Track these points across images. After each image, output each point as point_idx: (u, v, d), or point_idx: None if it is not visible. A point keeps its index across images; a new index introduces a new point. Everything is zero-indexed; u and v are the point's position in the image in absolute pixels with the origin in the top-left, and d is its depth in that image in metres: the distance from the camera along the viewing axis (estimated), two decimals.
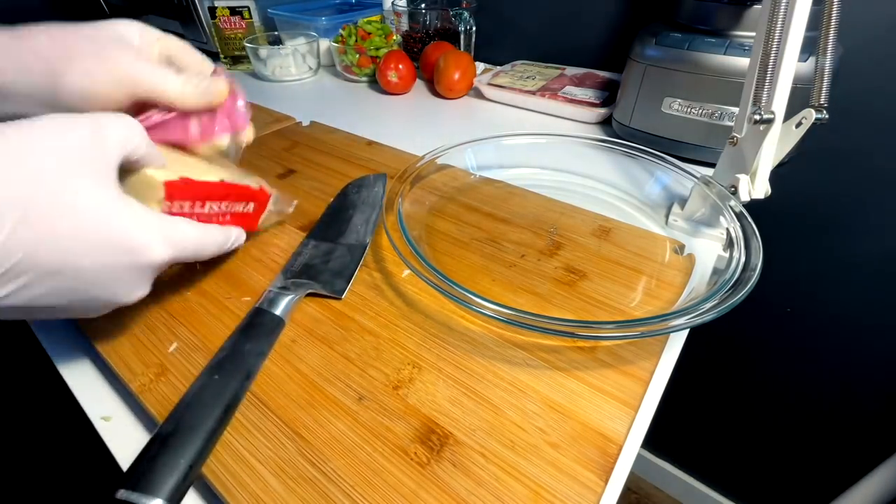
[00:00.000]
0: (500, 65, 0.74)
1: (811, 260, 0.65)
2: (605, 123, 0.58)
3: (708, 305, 0.25)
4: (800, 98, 0.32)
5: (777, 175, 0.33)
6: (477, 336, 0.28)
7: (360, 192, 0.41)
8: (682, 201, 0.39)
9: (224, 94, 0.31)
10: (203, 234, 0.27)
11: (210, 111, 0.31)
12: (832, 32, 0.29)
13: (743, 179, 0.33)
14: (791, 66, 0.29)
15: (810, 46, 0.34)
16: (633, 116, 0.50)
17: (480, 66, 0.76)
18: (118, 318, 0.29)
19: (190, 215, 0.28)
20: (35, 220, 0.19)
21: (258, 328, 0.27)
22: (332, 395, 0.25)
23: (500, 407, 0.24)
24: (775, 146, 0.32)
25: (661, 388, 0.27)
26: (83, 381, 0.28)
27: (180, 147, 0.31)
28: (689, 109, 0.45)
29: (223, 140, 0.32)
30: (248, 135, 0.35)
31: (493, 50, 0.80)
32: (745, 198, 0.33)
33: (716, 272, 0.33)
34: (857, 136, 0.54)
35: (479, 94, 0.67)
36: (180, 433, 0.21)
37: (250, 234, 0.34)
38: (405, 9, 0.76)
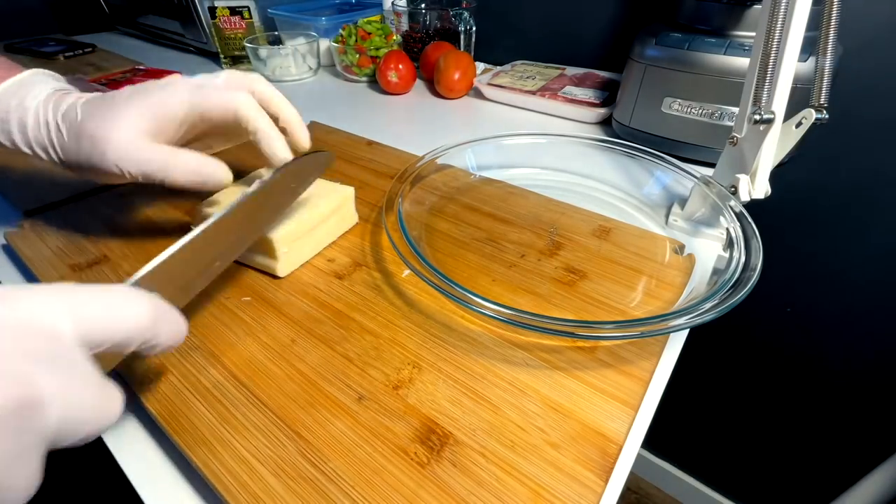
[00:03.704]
0: (500, 65, 0.74)
1: (811, 260, 0.65)
2: (605, 123, 0.58)
3: (708, 305, 0.25)
4: (800, 98, 0.32)
5: (777, 175, 0.33)
6: (477, 336, 0.28)
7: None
8: (682, 201, 0.39)
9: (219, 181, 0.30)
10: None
11: None
12: (832, 32, 0.29)
13: (743, 179, 0.33)
14: (791, 66, 0.29)
15: (810, 46, 0.34)
16: (633, 116, 0.50)
17: (480, 66, 0.76)
18: None
19: None
20: None
21: None
22: (332, 394, 0.25)
23: (500, 407, 0.24)
24: (775, 146, 0.32)
25: (661, 388, 0.27)
26: None
27: None
28: (689, 109, 0.45)
29: None
30: None
31: (493, 50, 0.80)
32: (745, 198, 0.33)
33: (716, 272, 0.33)
34: (857, 136, 0.54)
35: (479, 94, 0.67)
36: None
37: None
38: (405, 9, 0.76)
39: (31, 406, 0.13)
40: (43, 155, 0.29)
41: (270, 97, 0.33)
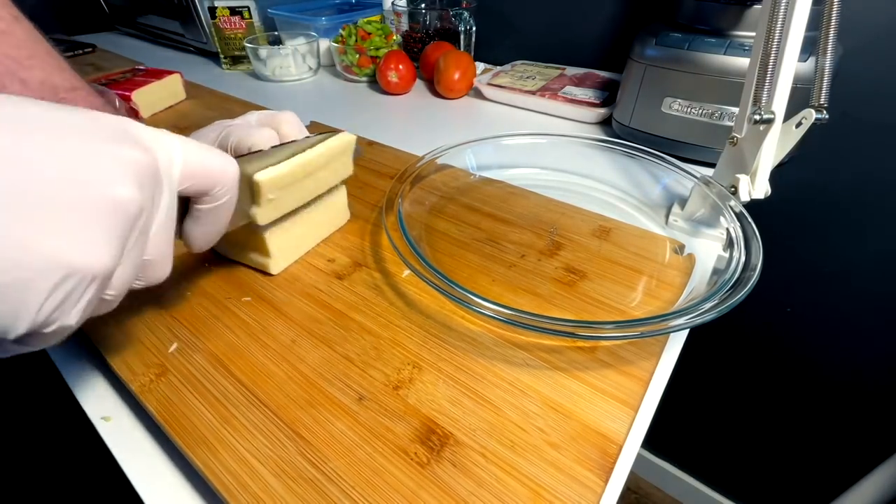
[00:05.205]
0: (500, 65, 0.74)
1: (811, 260, 0.65)
2: (605, 123, 0.58)
3: (708, 305, 0.25)
4: (800, 98, 0.32)
5: (777, 175, 0.33)
6: (477, 336, 0.28)
7: None
8: (682, 201, 0.39)
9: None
10: None
11: None
12: (832, 32, 0.29)
13: (743, 179, 0.33)
14: (791, 66, 0.29)
15: (810, 46, 0.34)
16: (633, 116, 0.50)
17: (480, 66, 0.76)
18: (119, 318, 0.29)
19: None
20: None
21: None
22: (332, 395, 0.25)
23: (501, 407, 0.24)
24: (775, 146, 0.32)
25: (661, 388, 0.27)
26: (83, 381, 0.28)
27: None
28: (689, 109, 0.45)
29: None
30: None
31: (493, 50, 0.80)
32: (745, 198, 0.33)
33: (716, 272, 0.33)
34: (858, 137, 0.54)
35: (479, 94, 0.67)
36: None
37: None
38: (405, 9, 0.76)
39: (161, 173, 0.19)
40: None
41: (293, 139, 0.33)
